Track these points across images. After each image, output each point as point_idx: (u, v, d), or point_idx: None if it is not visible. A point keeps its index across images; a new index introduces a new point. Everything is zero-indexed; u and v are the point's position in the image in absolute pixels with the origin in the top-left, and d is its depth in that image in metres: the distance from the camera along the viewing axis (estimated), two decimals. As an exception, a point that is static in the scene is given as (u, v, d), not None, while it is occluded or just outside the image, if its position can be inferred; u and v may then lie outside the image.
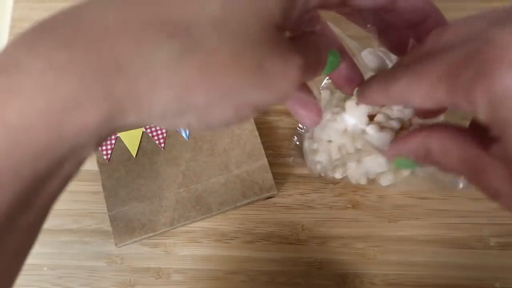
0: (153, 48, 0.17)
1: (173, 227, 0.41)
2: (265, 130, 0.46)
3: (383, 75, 0.22)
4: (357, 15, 0.25)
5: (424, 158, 0.22)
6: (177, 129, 0.43)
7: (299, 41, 0.21)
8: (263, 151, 0.43)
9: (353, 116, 0.31)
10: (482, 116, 0.17)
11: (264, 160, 0.43)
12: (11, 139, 0.16)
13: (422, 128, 0.22)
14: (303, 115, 0.25)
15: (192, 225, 0.43)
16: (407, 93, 0.20)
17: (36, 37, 0.17)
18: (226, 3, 0.18)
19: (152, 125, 0.19)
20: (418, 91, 0.19)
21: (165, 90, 0.17)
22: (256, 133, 0.44)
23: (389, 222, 0.43)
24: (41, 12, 0.50)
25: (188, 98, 0.18)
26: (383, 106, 0.33)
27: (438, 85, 0.18)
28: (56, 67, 0.16)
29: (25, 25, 0.57)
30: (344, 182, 0.45)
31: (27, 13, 0.51)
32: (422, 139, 0.22)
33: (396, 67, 0.21)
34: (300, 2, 0.20)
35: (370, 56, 0.31)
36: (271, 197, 0.44)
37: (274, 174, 0.43)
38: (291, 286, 0.42)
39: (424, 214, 0.43)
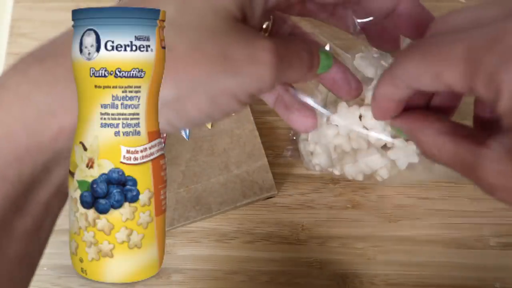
0: None
1: (173, 227, 0.41)
2: (265, 130, 0.46)
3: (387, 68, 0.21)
4: (339, 19, 0.25)
5: (416, 144, 0.21)
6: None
7: (277, 36, 0.22)
8: (263, 151, 0.43)
9: (345, 118, 0.31)
10: (500, 104, 0.16)
11: (264, 160, 0.43)
12: None
13: (417, 115, 0.21)
14: (295, 120, 0.25)
15: (192, 225, 0.43)
16: (415, 76, 0.19)
17: (19, 60, 0.19)
18: (181, 4, 0.19)
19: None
20: (426, 74, 0.18)
21: None
22: (256, 133, 0.44)
23: (389, 222, 0.43)
24: (41, 12, 0.50)
25: None
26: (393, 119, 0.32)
27: (452, 67, 0.17)
28: (30, 79, 0.18)
29: (25, 25, 0.56)
30: (344, 182, 0.45)
31: (27, 13, 0.51)
32: (413, 125, 0.21)
33: (399, 55, 0.20)
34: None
35: (363, 62, 0.31)
36: (271, 197, 0.44)
37: (274, 174, 0.43)
38: (291, 286, 0.42)
39: (424, 214, 0.43)
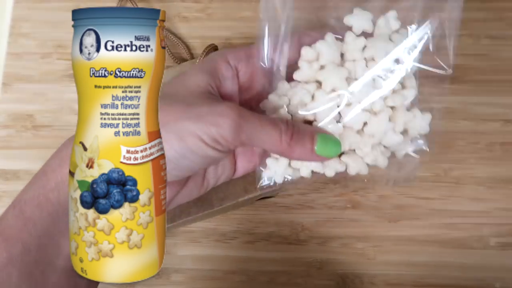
0: None
1: (174, 223, 0.41)
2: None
3: None
4: None
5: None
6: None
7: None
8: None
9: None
10: None
11: (264, 160, 0.43)
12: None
13: None
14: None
15: (192, 225, 0.43)
16: None
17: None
18: (172, 83, 0.28)
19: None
20: None
21: None
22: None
23: (389, 222, 0.43)
24: (41, 12, 0.50)
25: None
26: None
27: None
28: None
29: (25, 25, 0.56)
30: (344, 182, 0.45)
31: (27, 13, 0.51)
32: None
33: None
34: (223, 79, 0.29)
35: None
36: (271, 197, 0.44)
37: (274, 174, 0.42)
38: (291, 286, 0.42)
39: (424, 214, 0.43)
